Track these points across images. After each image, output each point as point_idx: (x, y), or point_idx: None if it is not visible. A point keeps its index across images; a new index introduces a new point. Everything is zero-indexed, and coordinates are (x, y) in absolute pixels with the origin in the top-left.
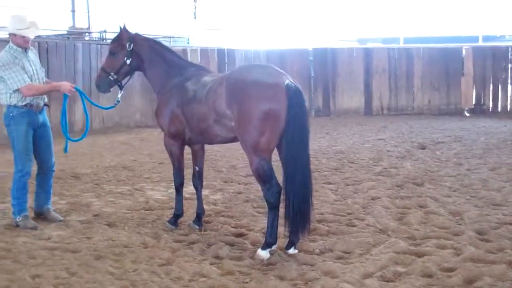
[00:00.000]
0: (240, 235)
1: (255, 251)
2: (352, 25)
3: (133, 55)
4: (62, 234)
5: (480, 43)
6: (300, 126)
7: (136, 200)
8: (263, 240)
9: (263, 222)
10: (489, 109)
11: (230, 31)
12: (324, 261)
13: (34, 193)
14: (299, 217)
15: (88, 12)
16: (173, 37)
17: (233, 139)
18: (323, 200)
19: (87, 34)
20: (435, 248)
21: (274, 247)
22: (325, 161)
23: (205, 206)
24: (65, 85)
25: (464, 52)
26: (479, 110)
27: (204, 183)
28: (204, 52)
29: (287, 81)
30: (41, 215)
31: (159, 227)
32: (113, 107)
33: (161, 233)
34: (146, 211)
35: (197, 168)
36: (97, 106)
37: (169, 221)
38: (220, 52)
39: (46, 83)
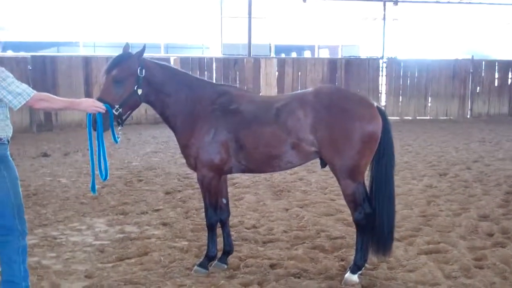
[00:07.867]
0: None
1: (342, 278)
2: None
3: (144, 83)
4: None
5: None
6: (392, 147)
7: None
8: (303, 266)
9: (246, 245)
10: None
11: None
12: (392, 273)
13: None
14: (388, 238)
15: None
16: None
17: (298, 165)
18: (271, 219)
19: None
20: (433, 245)
21: (363, 270)
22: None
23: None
24: (88, 102)
25: (172, 61)
26: None
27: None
28: None
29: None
30: None
31: (187, 278)
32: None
33: (211, 282)
34: (110, 264)
35: (224, 201)
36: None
37: (200, 265)
38: None
39: None
